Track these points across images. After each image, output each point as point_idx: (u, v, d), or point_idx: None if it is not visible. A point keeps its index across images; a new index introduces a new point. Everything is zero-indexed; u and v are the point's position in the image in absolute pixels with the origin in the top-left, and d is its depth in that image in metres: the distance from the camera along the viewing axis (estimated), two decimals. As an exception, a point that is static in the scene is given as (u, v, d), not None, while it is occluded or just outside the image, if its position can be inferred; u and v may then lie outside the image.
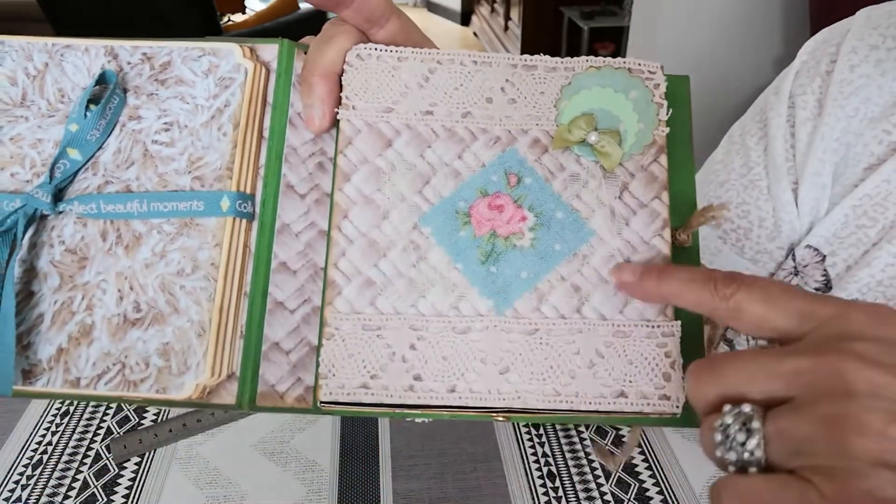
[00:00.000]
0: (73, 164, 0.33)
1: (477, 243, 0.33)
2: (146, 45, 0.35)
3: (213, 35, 1.65)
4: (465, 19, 5.02)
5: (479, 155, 0.34)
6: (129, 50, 0.35)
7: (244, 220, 0.33)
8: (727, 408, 0.26)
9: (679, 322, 0.33)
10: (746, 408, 0.25)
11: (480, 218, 0.34)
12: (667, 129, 0.35)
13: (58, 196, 0.33)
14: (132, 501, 0.54)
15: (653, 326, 0.33)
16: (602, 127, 0.34)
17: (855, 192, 0.53)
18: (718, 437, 0.26)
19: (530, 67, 0.35)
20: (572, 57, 0.36)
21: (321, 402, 0.32)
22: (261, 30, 1.67)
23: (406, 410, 0.32)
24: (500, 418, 0.33)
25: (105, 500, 0.54)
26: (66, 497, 0.54)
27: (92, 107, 0.33)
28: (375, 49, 0.35)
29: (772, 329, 0.27)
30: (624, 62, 0.35)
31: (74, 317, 0.32)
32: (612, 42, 2.96)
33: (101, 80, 0.34)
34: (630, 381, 0.32)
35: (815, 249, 0.56)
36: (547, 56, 0.35)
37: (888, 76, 0.51)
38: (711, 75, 1.64)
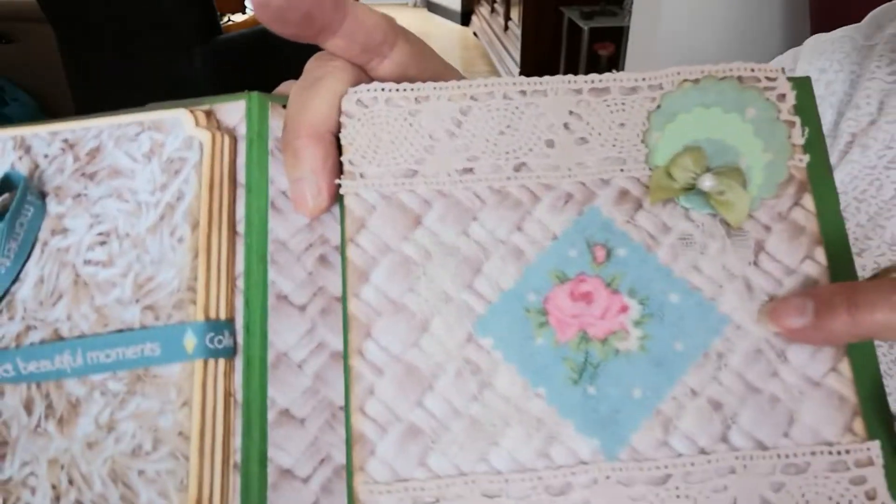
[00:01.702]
0: (-26, 307, 0.23)
1: (563, 353, 0.23)
2: (66, 128, 0.25)
3: (213, 35, 1.59)
4: (465, 19, 5.01)
5: (546, 223, 0.24)
6: (45, 138, 0.25)
7: (222, 360, 0.23)
8: None
9: (878, 442, 0.22)
10: None
11: (562, 315, 0.23)
12: (806, 157, 0.24)
13: (-44, 356, 0.23)
14: None
15: (839, 452, 0.22)
16: (717, 165, 0.24)
17: None
18: None
19: (600, 91, 0.25)
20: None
21: None
22: (260, 30, 1.61)
23: None
24: None
25: None
26: None
27: (-6, 223, 0.23)
28: (382, 89, 0.25)
29: None
30: (730, 69, 0.25)
31: (-9, 535, 0.22)
32: (612, 42, 2.91)
33: (5, 185, 0.24)
34: None
35: None
36: (622, 73, 0.25)
37: (836, 97, 0.52)
38: (711, 76, 1.59)
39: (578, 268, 0.24)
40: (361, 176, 0.24)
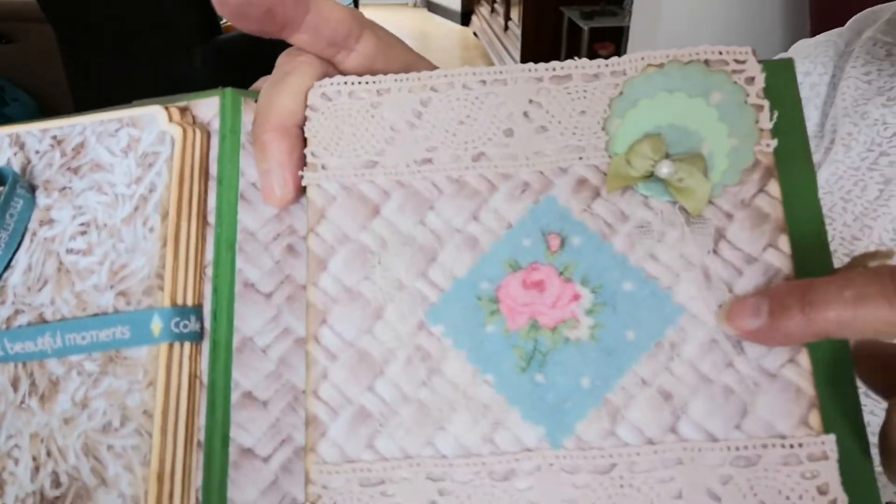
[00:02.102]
0: (-30, 292, 0.25)
1: (512, 341, 0.23)
2: (55, 125, 0.27)
3: (213, 35, 1.61)
4: (465, 19, 5.00)
5: (502, 212, 0.24)
6: (38, 135, 0.27)
7: (188, 344, 0.24)
8: None
9: (833, 436, 0.21)
10: None
11: (513, 303, 0.23)
12: (774, 142, 0.24)
13: (-46, 337, 0.25)
14: None
15: (792, 446, 0.21)
16: (677, 151, 0.24)
17: None
18: None
19: (562, 79, 0.25)
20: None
21: None
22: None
23: None
24: None
25: None
26: None
27: (-13, 214, 0.25)
28: (345, 83, 0.25)
29: None
30: (697, 52, 0.24)
31: (-21, 501, 0.24)
32: (612, 42, 2.89)
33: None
34: None
35: None
36: (584, 60, 0.25)
37: (820, 98, 0.54)
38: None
39: (532, 256, 0.24)
40: (323, 167, 0.25)
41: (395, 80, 0.25)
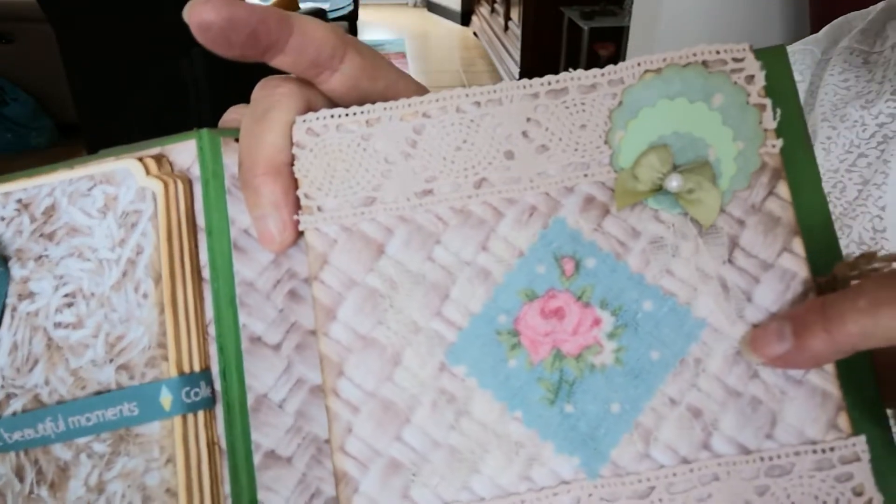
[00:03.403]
0: (-46, 380, 0.24)
1: (537, 374, 0.23)
2: (18, 187, 0.25)
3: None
4: (465, 19, 4.99)
5: (511, 239, 0.23)
6: (0, 200, 0.25)
7: (202, 412, 0.23)
8: None
9: (863, 437, 0.22)
10: None
11: (534, 335, 0.23)
12: (779, 142, 0.23)
13: (-56, 431, 0.23)
14: None
15: (824, 451, 0.22)
16: (684, 160, 0.23)
17: None
18: None
19: (558, 93, 0.24)
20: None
21: None
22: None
23: None
24: None
25: None
26: None
27: (-40, 296, 0.23)
28: (331, 116, 0.24)
29: None
30: (694, 53, 0.23)
31: None
32: (613, 42, 2.87)
33: (-36, 253, 0.24)
34: None
35: None
36: (580, 71, 0.24)
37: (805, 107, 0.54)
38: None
39: (548, 283, 0.23)
40: (319, 209, 0.24)
41: (385, 108, 0.24)
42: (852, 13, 0.54)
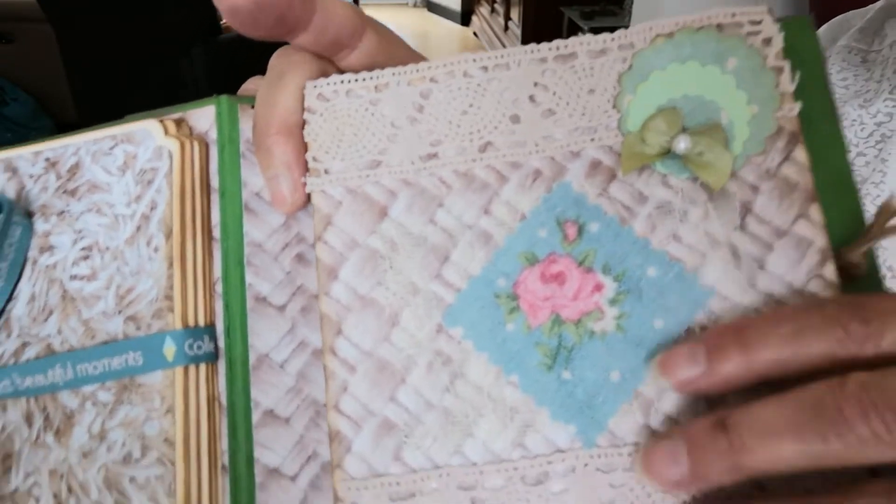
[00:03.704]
0: (-24, 328, 0.25)
1: (535, 338, 0.22)
2: (48, 147, 0.26)
3: (213, 35, 1.59)
4: (465, 19, 5.00)
5: (514, 203, 0.23)
6: (30, 159, 0.26)
7: (203, 365, 0.23)
8: None
9: None
10: None
11: (533, 299, 0.22)
12: (797, 106, 0.22)
13: (-35, 375, 0.24)
14: None
15: None
16: (694, 124, 0.22)
17: None
18: None
19: (567, 58, 0.23)
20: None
21: None
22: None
23: None
24: None
25: None
26: None
27: (-14, 247, 0.25)
28: (342, 82, 0.24)
29: None
30: (709, 17, 0.23)
31: (6, 541, 0.23)
32: None
33: (-7, 208, 0.25)
34: None
35: None
36: (589, 35, 0.23)
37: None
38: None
39: (549, 248, 0.23)
40: (326, 172, 0.24)
41: (393, 73, 0.24)
42: (851, 12, 0.53)
